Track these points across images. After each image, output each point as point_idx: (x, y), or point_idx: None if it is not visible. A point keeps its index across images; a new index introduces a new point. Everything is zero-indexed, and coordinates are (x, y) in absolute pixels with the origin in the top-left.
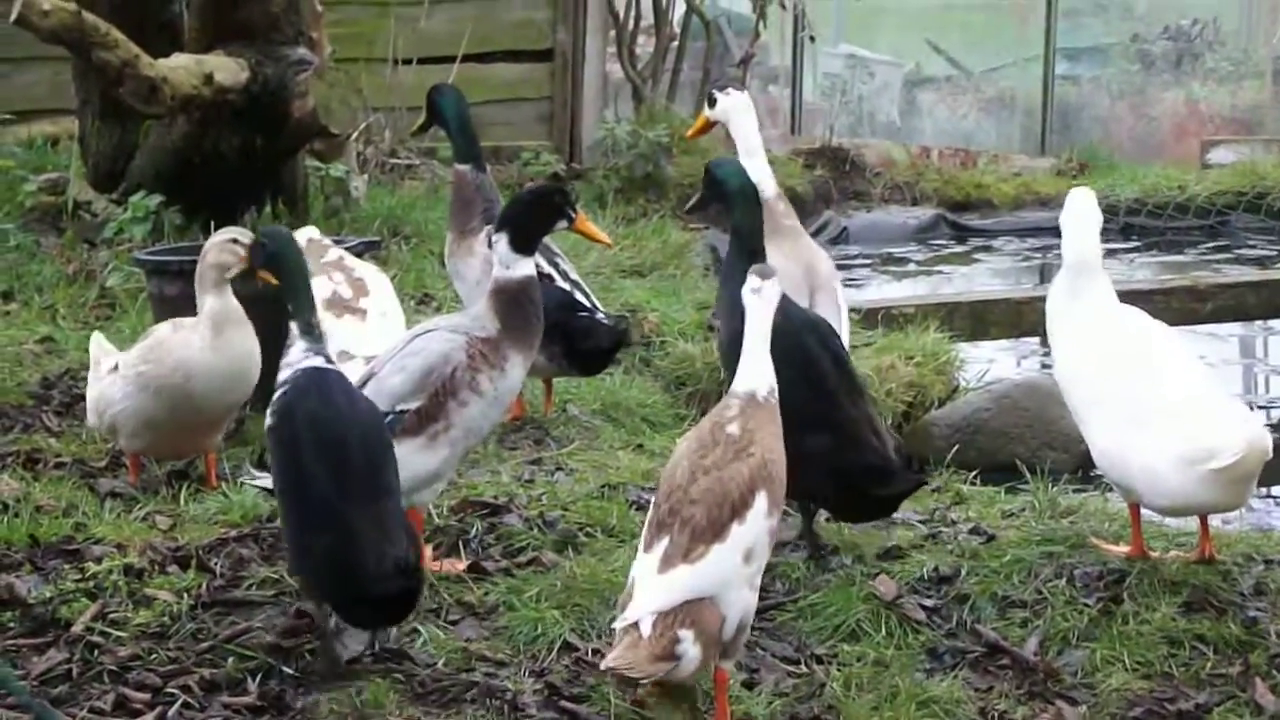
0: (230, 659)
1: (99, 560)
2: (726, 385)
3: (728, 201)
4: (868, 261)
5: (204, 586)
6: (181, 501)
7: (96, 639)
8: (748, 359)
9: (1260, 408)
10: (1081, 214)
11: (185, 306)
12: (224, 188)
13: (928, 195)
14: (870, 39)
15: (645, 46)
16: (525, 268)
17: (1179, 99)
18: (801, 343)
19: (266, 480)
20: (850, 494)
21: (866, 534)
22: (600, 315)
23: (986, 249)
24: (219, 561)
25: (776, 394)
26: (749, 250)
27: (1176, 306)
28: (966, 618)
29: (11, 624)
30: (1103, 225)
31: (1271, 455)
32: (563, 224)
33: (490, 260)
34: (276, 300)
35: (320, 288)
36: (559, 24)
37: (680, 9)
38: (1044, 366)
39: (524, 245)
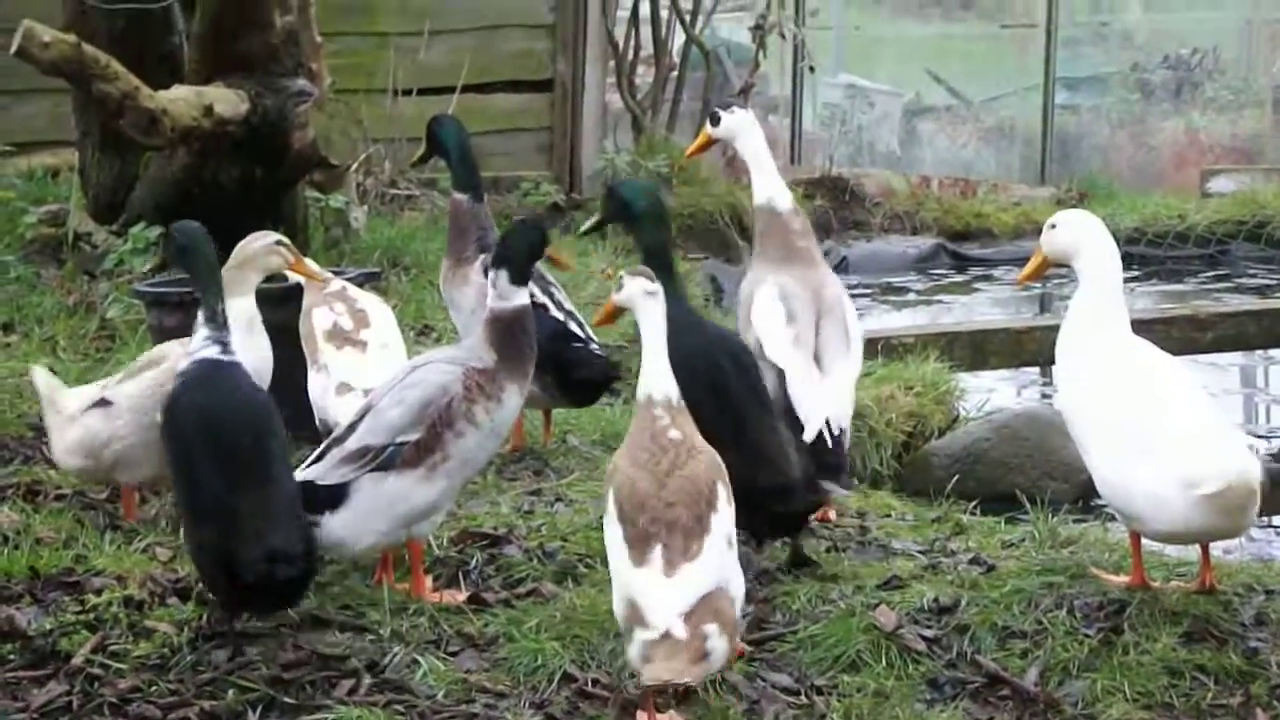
0: (230, 691)
1: (99, 592)
2: None
3: (635, 222)
4: (867, 291)
5: (204, 619)
6: (181, 533)
7: (97, 671)
8: (654, 363)
9: (1261, 437)
10: (1104, 239)
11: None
12: (224, 219)
13: (927, 225)
14: (870, 69)
15: (645, 77)
16: (520, 297)
17: (1179, 128)
18: (712, 358)
19: None
20: (752, 511)
21: (867, 565)
22: (594, 346)
23: (986, 279)
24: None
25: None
26: (661, 268)
27: (1177, 336)
28: (967, 648)
29: (12, 656)
30: None
31: (1259, 488)
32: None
33: (485, 289)
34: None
35: (321, 319)
36: (558, 54)
37: (679, 39)
38: (1044, 396)
39: (520, 277)
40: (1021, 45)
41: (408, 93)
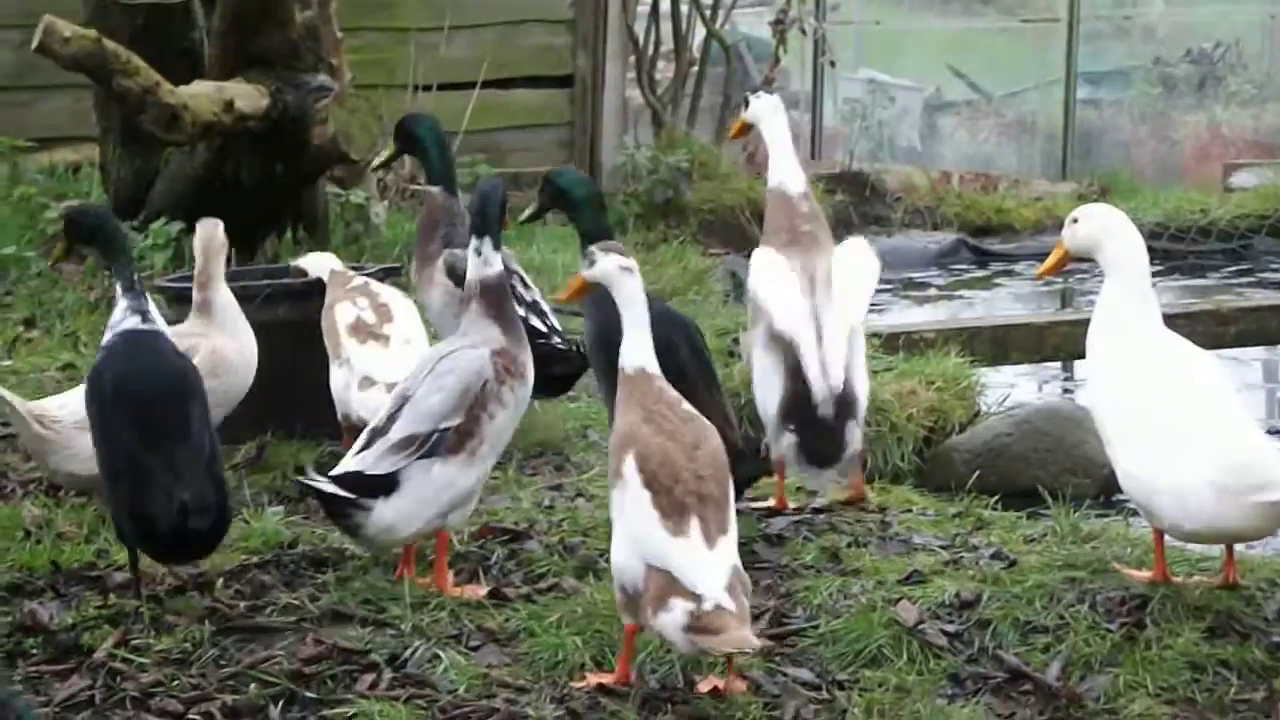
0: (252, 685)
1: (121, 587)
2: (600, 379)
3: (574, 209)
4: (888, 286)
5: (225, 613)
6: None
7: (119, 665)
8: (641, 335)
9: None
10: (1129, 231)
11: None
12: (245, 214)
13: (948, 220)
14: (891, 63)
15: (665, 72)
16: (498, 262)
17: (1201, 122)
18: (666, 334)
19: (324, 483)
20: None
21: (888, 560)
22: (556, 341)
23: (1008, 274)
24: (240, 588)
25: None
26: None
27: (1200, 331)
28: (988, 643)
29: (34, 650)
30: None
31: None
32: None
33: (449, 289)
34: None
35: (344, 314)
36: (579, 50)
37: (700, 34)
38: (1065, 391)
39: (497, 242)
40: (1043, 40)
41: (428, 88)
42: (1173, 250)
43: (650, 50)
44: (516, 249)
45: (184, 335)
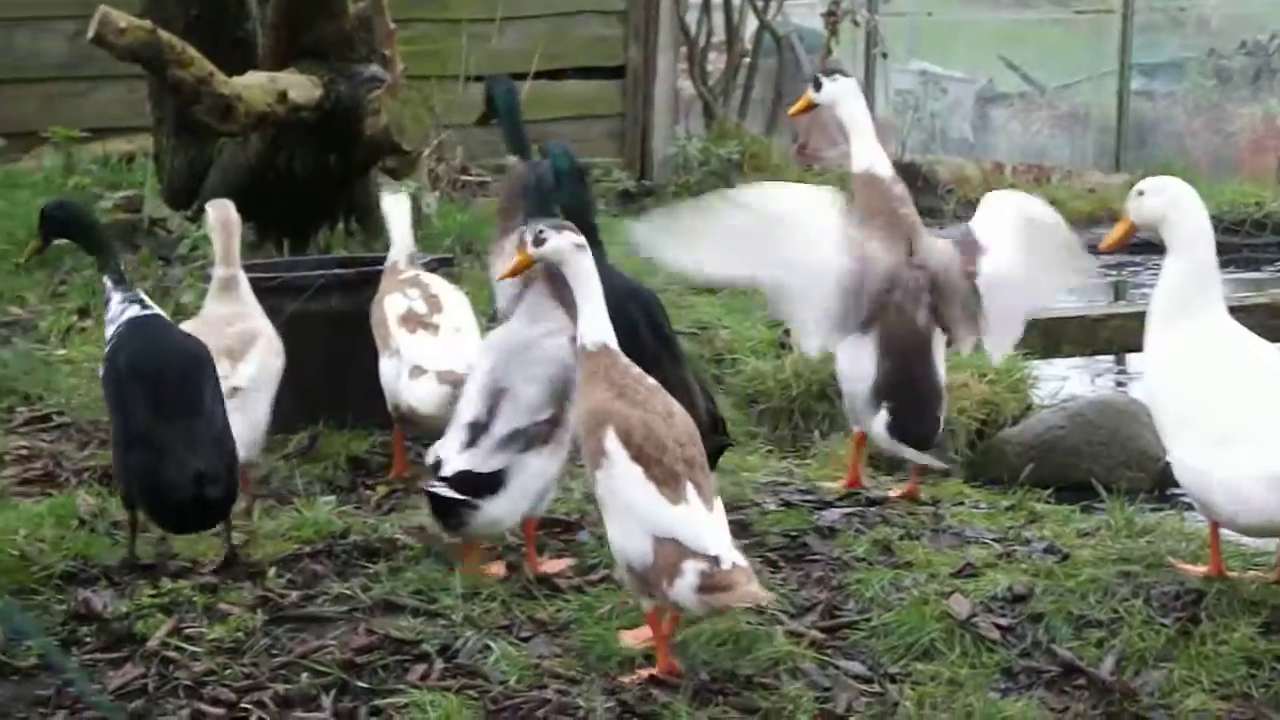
0: (304, 675)
1: (175, 576)
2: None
3: (556, 182)
4: None
5: (277, 602)
6: (255, 518)
7: (172, 654)
8: (597, 310)
9: None
10: (1195, 205)
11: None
12: (297, 205)
13: None
14: (943, 55)
15: (716, 63)
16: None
17: (1256, 114)
18: (623, 309)
19: (442, 488)
20: None
21: (941, 552)
22: None
23: None
24: (293, 577)
25: None
26: (583, 225)
27: (1256, 324)
28: (1041, 637)
29: (89, 639)
30: None
31: None
32: None
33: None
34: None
35: (394, 304)
36: (630, 41)
37: (752, 26)
38: (1118, 385)
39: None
40: (1096, 31)
41: (480, 79)
42: (1227, 244)
43: (702, 42)
44: None
45: (234, 319)
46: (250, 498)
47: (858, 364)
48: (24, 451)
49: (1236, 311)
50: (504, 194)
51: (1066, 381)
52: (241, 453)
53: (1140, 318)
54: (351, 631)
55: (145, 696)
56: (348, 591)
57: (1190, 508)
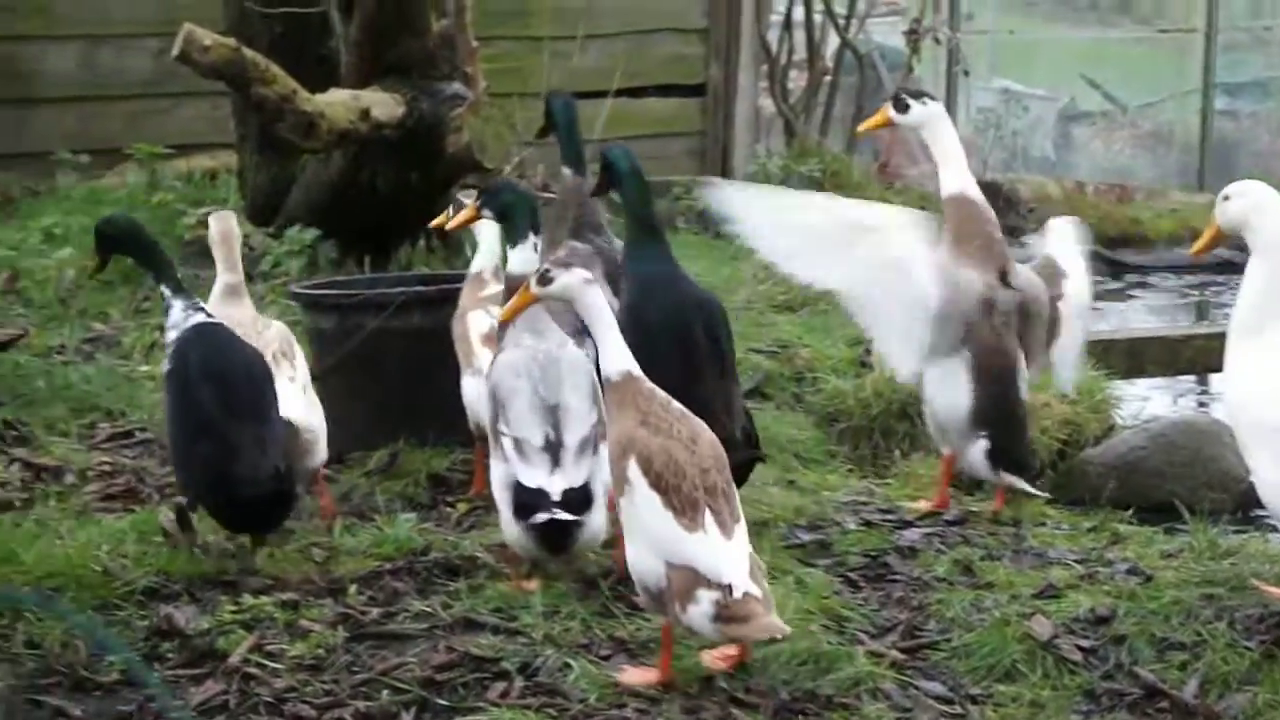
0: (384, 692)
1: (256, 593)
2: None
3: (619, 183)
4: None
5: (358, 619)
6: (336, 534)
7: (253, 670)
8: (614, 342)
9: None
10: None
11: (340, 340)
12: (379, 222)
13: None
14: (1025, 73)
15: (797, 81)
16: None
17: None
18: (681, 316)
19: (563, 514)
20: None
21: (1022, 573)
22: None
23: (1142, 285)
24: (373, 594)
25: None
26: (645, 227)
27: None
28: (1124, 659)
29: (170, 654)
30: None
31: None
32: None
33: None
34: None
35: (477, 322)
36: (711, 59)
37: (833, 43)
38: (1200, 405)
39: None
40: (1179, 50)
41: None
42: None
43: (783, 59)
44: None
45: (258, 322)
46: (331, 515)
47: (950, 390)
48: (107, 467)
49: None
50: (555, 205)
51: (1148, 402)
52: (320, 454)
53: (1223, 338)
54: (432, 649)
55: (226, 713)
56: (428, 609)
57: (1274, 529)
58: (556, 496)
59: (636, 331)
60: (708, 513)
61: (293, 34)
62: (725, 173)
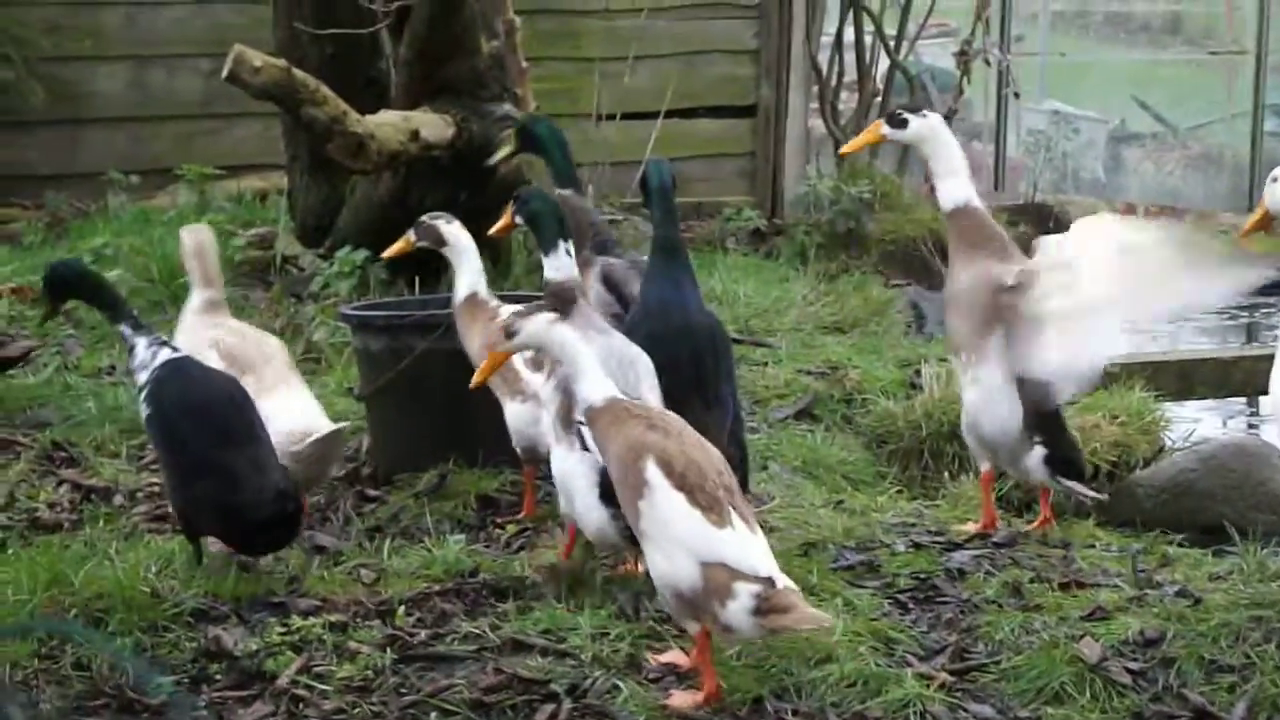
0: (433, 714)
1: (304, 614)
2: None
3: (647, 199)
4: None
5: (406, 641)
6: (385, 555)
7: (302, 692)
8: (592, 375)
9: None
10: None
11: (390, 362)
12: None
13: None
14: (1075, 95)
15: (848, 102)
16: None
17: None
18: (670, 350)
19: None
20: None
21: (1071, 595)
22: None
23: None
24: (422, 616)
25: None
26: (664, 246)
27: None
28: (1173, 682)
29: (219, 676)
30: None
31: None
32: None
33: (601, 294)
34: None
35: None
36: (762, 80)
37: (883, 65)
38: (1251, 427)
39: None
40: (1230, 71)
41: (611, 117)
42: None
43: (833, 80)
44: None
45: (244, 330)
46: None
47: (999, 402)
48: (156, 488)
49: None
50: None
51: (1199, 424)
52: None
53: (1272, 360)
54: (480, 671)
55: None
56: (476, 630)
57: None
58: None
59: (656, 348)
60: (733, 511)
61: (343, 55)
62: (775, 193)
